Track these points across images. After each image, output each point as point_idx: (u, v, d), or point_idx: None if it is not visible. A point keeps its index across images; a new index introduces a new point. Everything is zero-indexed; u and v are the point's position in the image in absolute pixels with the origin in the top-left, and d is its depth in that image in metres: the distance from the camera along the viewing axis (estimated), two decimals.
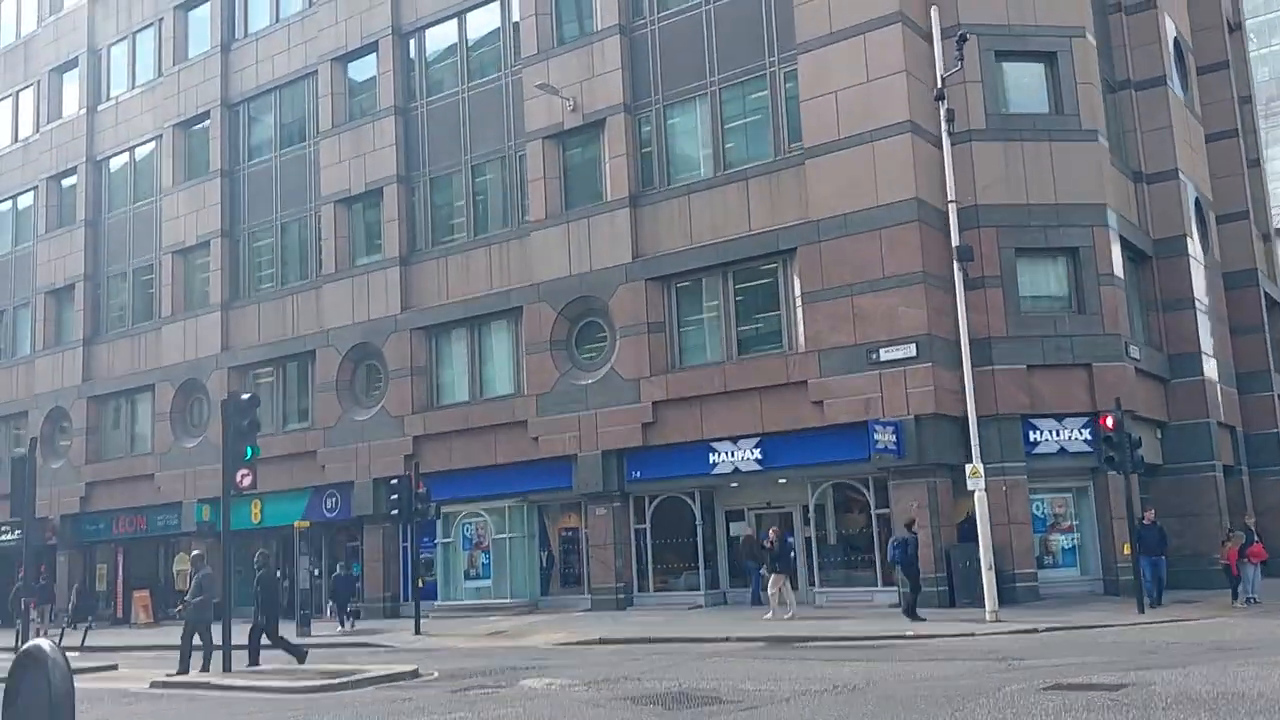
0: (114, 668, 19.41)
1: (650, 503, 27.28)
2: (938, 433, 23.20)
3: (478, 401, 29.93)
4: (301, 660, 16.85)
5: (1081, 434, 24.15)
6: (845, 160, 24.28)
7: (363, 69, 33.45)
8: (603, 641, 20.78)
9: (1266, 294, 32.38)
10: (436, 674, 15.58)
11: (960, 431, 23.81)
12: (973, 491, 20.58)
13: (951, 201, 21.29)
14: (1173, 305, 27.40)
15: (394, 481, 26.68)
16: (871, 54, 24.23)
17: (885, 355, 23.39)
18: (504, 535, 28.95)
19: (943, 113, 21.35)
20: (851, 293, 23.96)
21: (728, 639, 19.69)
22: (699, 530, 26.59)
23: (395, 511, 25.85)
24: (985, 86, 24.67)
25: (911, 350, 23.13)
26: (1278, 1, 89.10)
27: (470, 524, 29.42)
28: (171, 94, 37.92)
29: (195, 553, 17.23)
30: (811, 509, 25.13)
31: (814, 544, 25.13)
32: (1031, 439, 23.90)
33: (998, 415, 23.48)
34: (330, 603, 29.60)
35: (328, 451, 31.96)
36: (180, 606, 16.87)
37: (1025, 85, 25.42)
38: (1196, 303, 27.40)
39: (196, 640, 16.80)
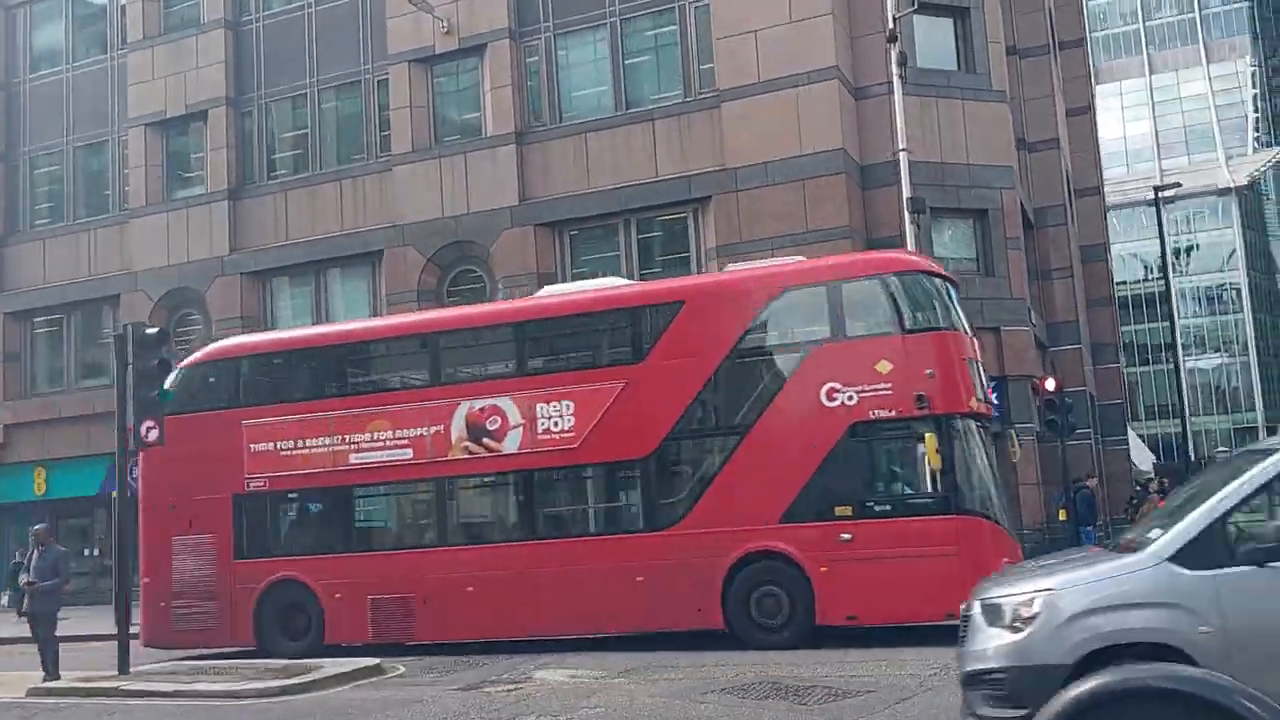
0: None
1: None
2: None
3: None
4: None
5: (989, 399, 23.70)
6: (766, 105, 22.71)
7: None
8: None
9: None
10: (402, 669, 12.90)
11: None
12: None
13: (902, 150, 20.10)
14: (1049, 274, 27.57)
15: None
16: None
17: None
18: None
19: (894, 55, 20.10)
20: (772, 246, 22.33)
21: None
22: None
23: None
24: (901, 39, 23.67)
25: None
26: None
27: None
28: None
29: (40, 525, 13.75)
30: None
31: None
32: None
33: None
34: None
35: None
36: (26, 590, 13.19)
37: (935, 41, 24.64)
38: (1072, 272, 27.71)
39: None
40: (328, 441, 15.14)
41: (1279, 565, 5.91)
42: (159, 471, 15.63)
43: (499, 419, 14.34)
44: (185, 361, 16.69)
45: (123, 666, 12.70)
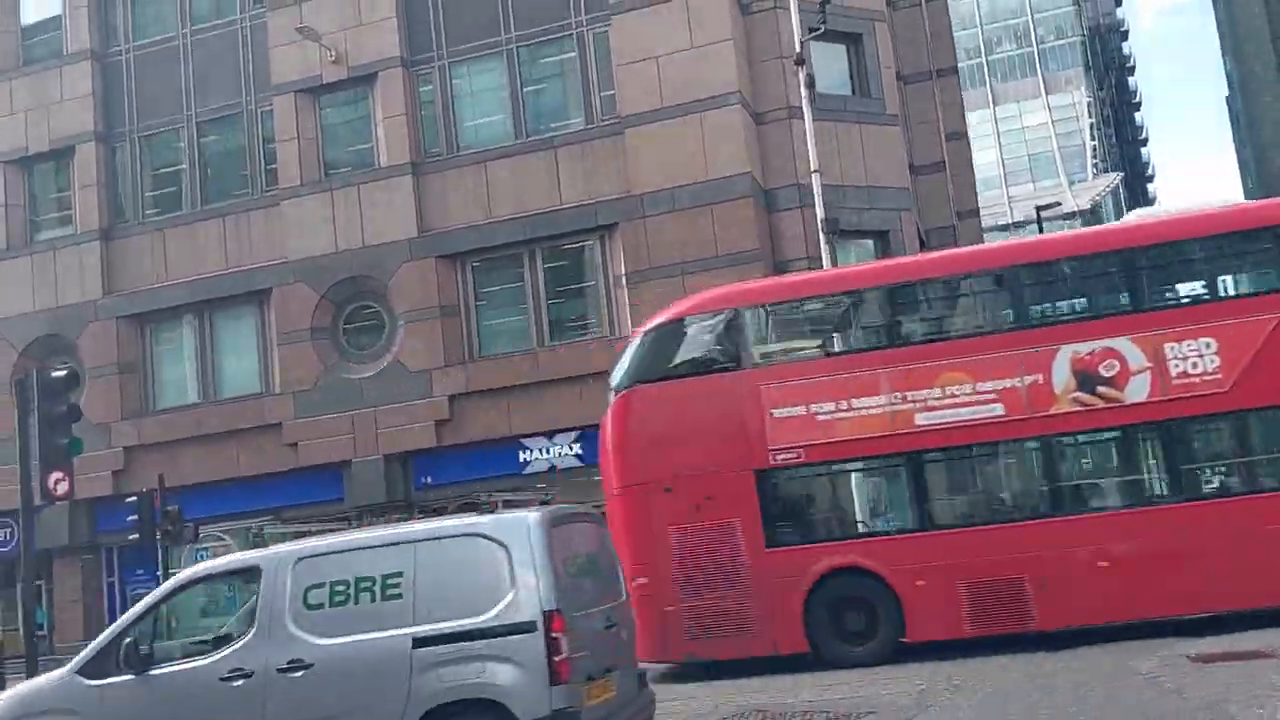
0: None
1: (441, 515, 23.99)
2: None
3: (212, 402, 25.13)
4: None
5: None
6: (671, 131, 22.55)
7: (42, 4, 27.33)
8: None
9: None
10: None
11: None
12: None
13: (815, 171, 20.21)
14: None
15: (131, 499, 21.45)
16: (696, 20, 22.71)
17: None
18: None
19: (803, 78, 20.21)
20: (683, 272, 22.22)
21: None
22: None
23: (136, 536, 20.77)
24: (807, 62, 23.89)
25: None
26: None
27: (206, 551, 24.52)
28: None
29: None
30: None
31: None
32: None
33: None
34: None
35: None
36: None
37: (830, 66, 24.91)
38: None
39: None
40: (883, 401, 13.00)
41: (149, 674, 7.36)
42: (638, 449, 13.45)
43: (1116, 364, 12.40)
44: (662, 317, 14.29)
45: None
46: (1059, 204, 39.10)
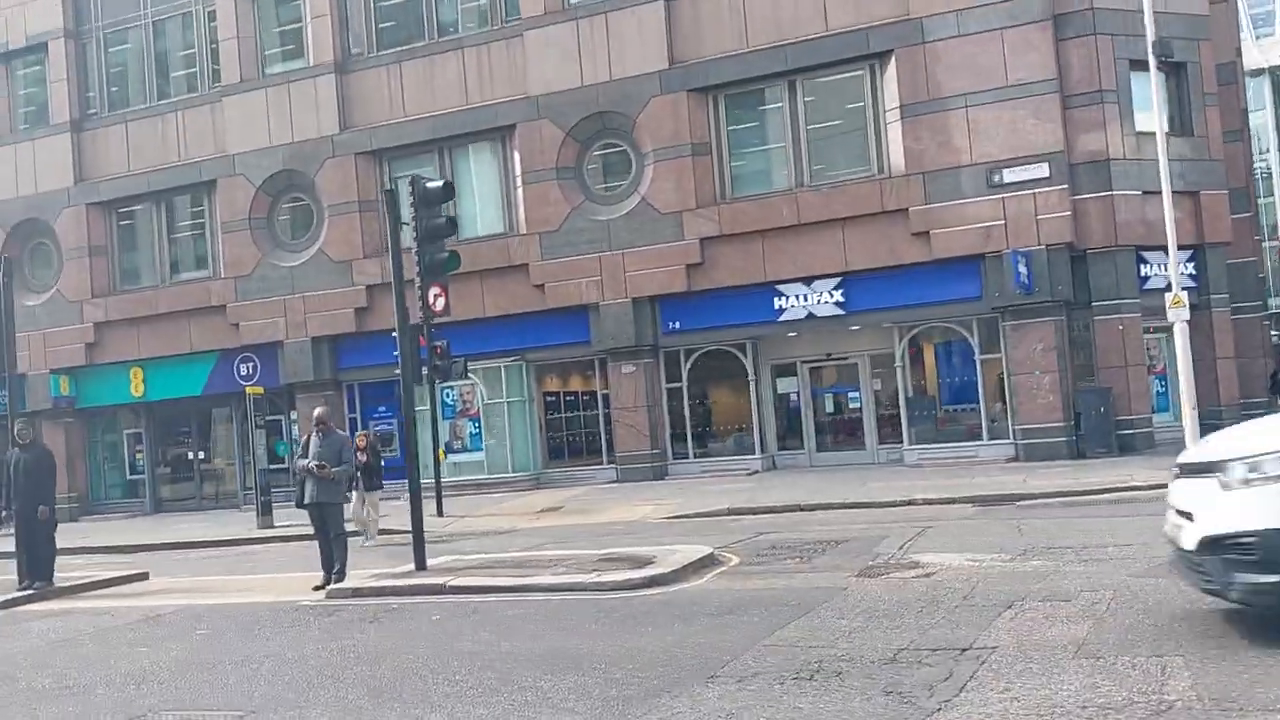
0: (145, 576, 13.79)
1: (686, 358, 23.30)
2: (1064, 265, 20.53)
3: (456, 241, 24.54)
4: None
5: (1186, 268, 22.18)
6: None
7: None
8: (732, 512, 17.04)
9: None
10: (737, 560, 11.37)
11: (1078, 265, 21.25)
12: (1171, 324, 17.97)
13: None
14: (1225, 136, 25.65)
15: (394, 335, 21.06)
16: None
17: (1009, 177, 20.36)
18: (499, 400, 24.18)
19: None
20: (966, 104, 20.63)
21: (911, 501, 16.43)
22: (752, 387, 22.93)
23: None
24: None
25: (1043, 170, 20.22)
26: None
27: (453, 389, 24.37)
28: None
29: (320, 409, 12.00)
30: (899, 357, 21.99)
31: (901, 397, 22.06)
32: (1142, 273, 21.68)
33: (1116, 246, 21.06)
34: None
35: (243, 306, 25.71)
36: (314, 475, 11.23)
37: None
38: (1243, 136, 25.96)
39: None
40: None
41: None
42: None
43: None
44: None
45: (420, 563, 11.15)
46: None
